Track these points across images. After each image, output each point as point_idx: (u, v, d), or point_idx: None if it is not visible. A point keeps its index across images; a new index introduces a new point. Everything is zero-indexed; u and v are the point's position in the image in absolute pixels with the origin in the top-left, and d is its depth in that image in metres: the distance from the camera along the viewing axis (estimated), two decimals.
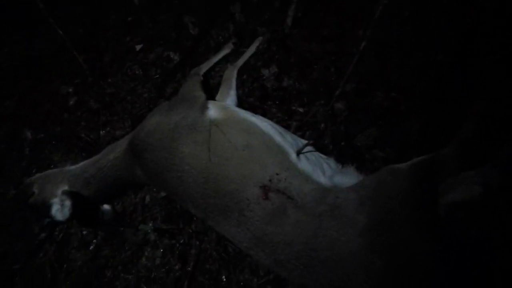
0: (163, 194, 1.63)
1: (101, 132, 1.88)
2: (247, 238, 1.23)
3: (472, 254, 1.23)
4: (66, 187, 1.47)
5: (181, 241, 1.53)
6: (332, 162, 1.42)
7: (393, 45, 1.78)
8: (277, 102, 1.80)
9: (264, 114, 1.70)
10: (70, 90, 2.02)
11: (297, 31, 1.94)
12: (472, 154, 1.31)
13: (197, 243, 1.50)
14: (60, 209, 1.37)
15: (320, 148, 1.49)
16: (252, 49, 1.94)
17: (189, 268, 1.46)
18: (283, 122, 1.71)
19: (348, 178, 1.32)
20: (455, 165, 1.27)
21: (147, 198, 1.66)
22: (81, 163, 1.58)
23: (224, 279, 1.42)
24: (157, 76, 2.01)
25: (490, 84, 1.56)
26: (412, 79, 1.70)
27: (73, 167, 1.58)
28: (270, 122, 1.43)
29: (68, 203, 1.37)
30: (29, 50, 2.09)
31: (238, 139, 1.29)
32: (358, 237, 1.11)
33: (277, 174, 1.22)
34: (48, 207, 1.39)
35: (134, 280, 1.48)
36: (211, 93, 1.77)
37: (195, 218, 1.56)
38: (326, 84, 1.80)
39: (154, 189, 1.66)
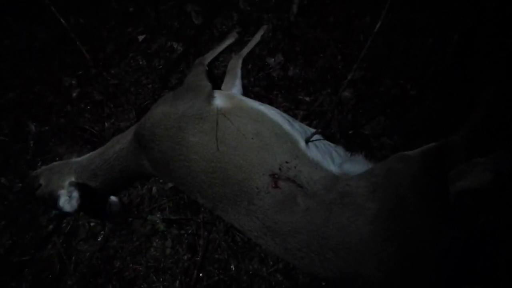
0: (170, 185, 1.63)
1: (105, 123, 1.87)
2: (257, 227, 1.23)
3: (480, 241, 1.23)
4: (73, 179, 1.47)
5: (190, 231, 1.53)
6: (341, 150, 1.40)
7: (401, 31, 1.75)
8: (283, 91, 1.78)
9: (270, 104, 1.68)
10: (73, 81, 2.00)
11: (302, 19, 1.91)
12: (482, 141, 1.30)
13: (206, 233, 1.50)
14: (68, 200, 1.36)
15: (327, 136, 1.48)
16: (257, 38, 1.91)
17: (198, 258, 1.46)
18: (290, 111, 1.69)
19: (357, 165, 1.31)
20: (465, 151, 1.26)
21: (154, 189, 1.65)
22: (87, 155, 1.58)
23: (233, 269, 1.43)
24: (161, 66, 1.99)
25: (500, 70, 1.54)
26: (420, 66, 1.68)
27: (79, 159, 1.58)
28: (278, 111, 1.41)
29: (76, 194, 1.37)
30: (31, 41, 2.06)
31: (247, 127, 1.28)
32: (369, 225, 1.10)
33: (286, 162, 1.21)
34: (56, 198, 1.39)
35: (143, 270, 1.48)
36: (216, 83, 1.74)
37: (203, 208, 1.55)
38: (332, 72, 1.77)
39: (161, 180, 1.66)
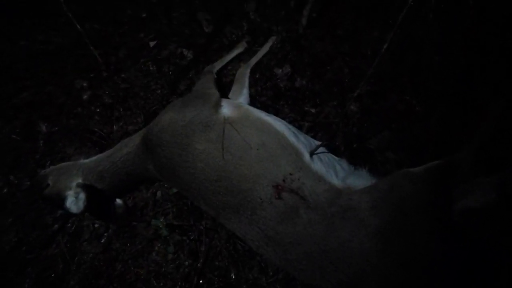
0: (174, 190, 1.65)
1: (114, 126, 1.90)
2: (259, 237, 1.24)
3: (483, 260, 1.22)
4: (80, 180, 1.49)
5: (192, 237, 1.54)
6: (344, 163, 1.41)
7: (409, 47, 1.77)
8: (289, 102, 1.80)
9: (276, 114, 1.70)
10: (85, 84, 2.04)
11: (311, 31, 1.94)
12: (488, 159, 1.29)
13: (207, 240, 1.51)
14: (74, 201, 1.38)
15: (332, 149, 1.49)
16: (265, 48, 1.94)
17: (199, 265, 1.47)
18: (295, 122, 1.71)
19: (361, 180, 1.31)
20: (470, 170, 1.26)
21: (159, 193, 1.67)
22: (95, 157, 1.60)
23: (233, 277, 1.43)
24: (170, 72, 2.02)
25: (508, 86, 1.53)
26: (427, 82, 1.68)
27: (87, 160, 1.61)
28: (284, 122, 1.43)
29: (82, 195, 1.39)
30: (46, 43, 2.12)
31: (252, 137, 1.29)
32: (371, 240, 1.11)
33: (290, 174, 1.22)
34: (63, 199, 1.41)
35: (144, 274, 1.49)
36: (224, 91, 1.77)
37: (205, 215, 1.57)
38: (339, 85, 1.79)
39: (166, 185, 1.68)
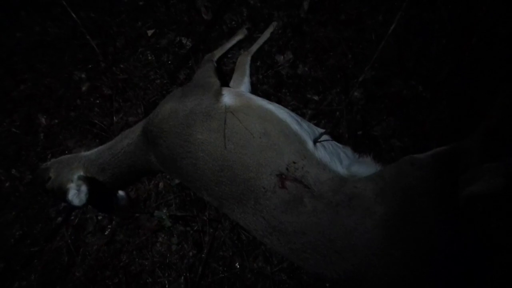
0: (176, 181, 1.64)
1: (114, 118, 1.88)
2: (262, 227, 1.23)
3: (490, 247, 1.21)
4: (81, 173, 1.48)
5: (195, 228, 1.54)
6: (349, 151, 1.39)
7: (414, 31, 1.71)
8: (291, 90, 1.76)
9: (278, 102, 1.67)
10: (83, 75, 2.01)
11: (313, 16, 1.88)
12: (496, 145, 1.26)
13: (211, 230, 1.51)
14: (76, 194, 1.38)
15: (336, 137, 1.46)
16: (266, 35, 1.89)
17: (203, 255, 1.47)
18: (298, 110, 1.67)
19: (365, 167, 1.29)
20: (477, 156, 1.23)
21: (161, 185, 1.66)
22: (96, 149, 1.59)
23: (238, 266, 1.43)
24: (170, 62, 1.98)
25: None
26: (433, 67, 1.64)
27: (87, 152, 1.59)
28: (287, 110, 1.40)
29: (84, 188, 1.38)
30: (42, 34, 2.08)
31: (255, 126, 1.27)
32: (376, 228, 1.09)
33: (294, 162, 1.20)
34: (65, 192, 1.40)
35: (149, 265, 1.50)
36: (224, 80, 1.74)
37: (208, 206, 1.56)
38: (342, 72, 1.75)
39: (168, 176, 1.67)
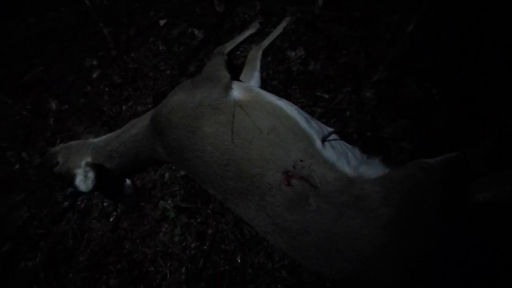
0: (182, 172, 1.64)
1: (123, 106, 1.89)
2: (266, 223, 1.22)
3: (497, 256, 1.19)
4: (89, 159, 1.50)
5: (199, 220, 1.54)
6: (357, 151, 1.37)
7: (430, 32, 1.67)
8: (302, 87, 1.74)
9: (288, 98, 1.65)
10: (94, 62, 2.02)
11: (327, 13, 1.85)
12: (507, 153, 1.23)
13: (214, 223, 1.51)
14: (83, 180, 1.39)
15: (344, 136, 1.44)
16: (279, 30, 1.86)
17: (205, 247, 1.48)
18: (307, 107, 1.65)
19: (373, 169, 1.27)
20: (488, 163, 1.20)
21: (166, 175, 1.67)
22: (104, 136, 1.60)
23: (239, 261, 1.44)
24: (180, 53, 1.98)
25: None
26: (448, 69, 1.60)
27: (96, 139, 1.61)
28: (296, 107, 1.38)
29: (91, 174, 1.39)
30: (55, 20, 2.09)
31: (263, 121, 1.26)
32: (381, 230, 1.08)
33: (301, 160, 1.19)
34: (72, 177, 1.42)
35: (151, 254, 1.52)
36: (235, 73, 1.72)
37: (213, 199, 1.56)
38: (354, 70, 1.72)
39: (174, 167, 1.67)
